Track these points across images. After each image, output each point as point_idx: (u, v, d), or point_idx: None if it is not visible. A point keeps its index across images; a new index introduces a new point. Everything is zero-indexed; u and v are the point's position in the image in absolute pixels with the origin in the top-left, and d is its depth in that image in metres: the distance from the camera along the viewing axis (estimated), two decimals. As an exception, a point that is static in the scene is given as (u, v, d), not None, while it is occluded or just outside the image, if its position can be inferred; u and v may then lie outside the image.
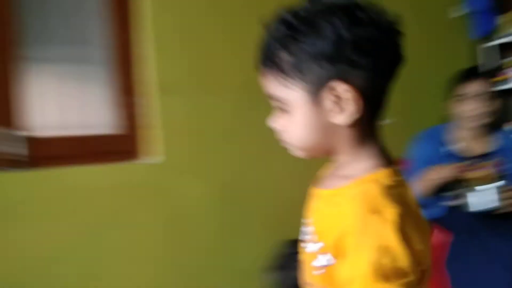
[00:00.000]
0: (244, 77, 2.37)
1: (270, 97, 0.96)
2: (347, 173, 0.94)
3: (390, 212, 0.84)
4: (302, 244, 1.01)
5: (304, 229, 1.01)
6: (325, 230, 0.92)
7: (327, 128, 0.93)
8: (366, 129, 0.94)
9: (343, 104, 0.90)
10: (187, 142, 2.45)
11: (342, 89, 0.89)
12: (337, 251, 0.88)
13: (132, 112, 2.38)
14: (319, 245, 0.92)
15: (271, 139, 1.17)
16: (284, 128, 0.96)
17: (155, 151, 2.39)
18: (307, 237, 0.98)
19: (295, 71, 0.91)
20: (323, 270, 0.91)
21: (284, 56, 0.91)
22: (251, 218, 2.59)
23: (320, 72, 0.89)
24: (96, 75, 2.38)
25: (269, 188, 2.64)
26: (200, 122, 2.49)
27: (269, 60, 0.93)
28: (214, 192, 2.50)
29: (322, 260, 0.91)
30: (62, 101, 2.30)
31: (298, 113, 0.93)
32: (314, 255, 0.94)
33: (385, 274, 0.81)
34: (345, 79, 0.88)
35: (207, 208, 2.49)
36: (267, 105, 1.00)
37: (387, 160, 0.94)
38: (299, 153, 0.98)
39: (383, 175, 0.90)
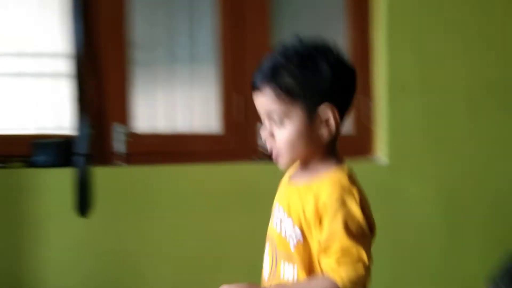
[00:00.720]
0: (477, 75, 2.36)
1: (267, 111, 1.21)
2: (319, 170, 1.24)
3: (356, 192, 1.21)
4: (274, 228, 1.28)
5: (277, 214, 1.28)
6: (298, 210, 1.22)
7: (313, 140, 1.21)
8: (334, 140, 1.25)
9: (329, 122, 1.20)
10: (414, 143, 2.43)
11: (330, 111, 1.19)
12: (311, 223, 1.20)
13: (361, 114, 2.44)
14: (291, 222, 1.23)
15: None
16: (277, 139, 1.21)
17: (379, 151, 2.43)
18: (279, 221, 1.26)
19: (298, 93, 1.19)
20: (295, 242, 1.22)
21: (290, 80, 1.19)
22: (477, 228, 2.52)
23: (317, 97, 1.19)
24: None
25: (498, 197, 2.55)
26: (429, 123, 2.46)
27: (275, 80, 1.19)
28: (439, 199, 2.47)
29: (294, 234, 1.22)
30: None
31: (294, 126, 1.20)
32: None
33: (352, 233, 1.17)
34: (332, 104, 1.19)
35: (429, 215, 2.45)
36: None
37: (342, 159, 1.28)
38: (283, 161, 1.23)
39: (345, 169, 1.25)
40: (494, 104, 2.51)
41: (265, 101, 1.20)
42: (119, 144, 2.21)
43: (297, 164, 1.28)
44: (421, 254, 2.46)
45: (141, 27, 2.29)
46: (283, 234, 1.24)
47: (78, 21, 2.11)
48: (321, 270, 1.20)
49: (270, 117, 1.20)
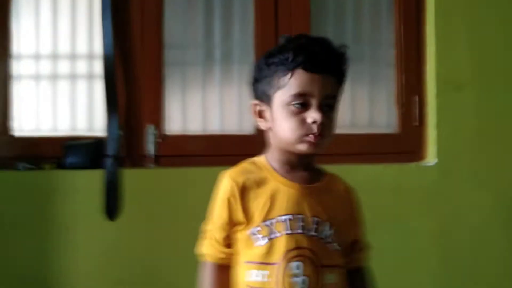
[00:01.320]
0: None
1: (328, 95, 1.21)
2: (316, 165, 1.30)
3: None
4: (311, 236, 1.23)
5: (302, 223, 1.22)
6: (334, 211, 1.26)
7: None
8: None
9: None
10: (469, 143, 2.25)
11: None
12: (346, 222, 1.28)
13: (409, 112, 2.30)
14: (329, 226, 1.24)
15: None
16: (327, 125, 1.20)
17: (431, 152, 2.26)
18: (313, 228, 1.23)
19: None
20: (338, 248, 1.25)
21: (346, 70, 1.26)
22: None
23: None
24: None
25: None
26: (487, 122, 2.27)
27: (342, 67, 1.24)
28: (500, 204, 2.26)
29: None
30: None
31: (336, 114, 1.25)
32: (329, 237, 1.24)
33: None
34: None
35: (490, 222, 2.25)
36: None
37: None
38: (321, 148, 1.22)
39: None
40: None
41: (330, 85, 1.22)
42: (150, 146, 2.16)
43: (263, 166, 1.27)
44: (475, 266, 2.24)
45: (175, 27, 2.25)
46: (329, 243, 1.24)
47: (108, 22, 2.09)
48: (357, 267, 1.32)
49: (327, 102, 1.21)
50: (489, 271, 2.25)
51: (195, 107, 2.26)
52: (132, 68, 2.17)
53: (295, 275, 1.18)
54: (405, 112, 2.29)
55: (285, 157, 1.25)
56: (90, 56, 2.21)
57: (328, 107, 1.21)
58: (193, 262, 2.10)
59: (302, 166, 1.27)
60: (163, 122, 2.19)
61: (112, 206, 2.06)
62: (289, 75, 1.20)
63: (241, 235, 1.23)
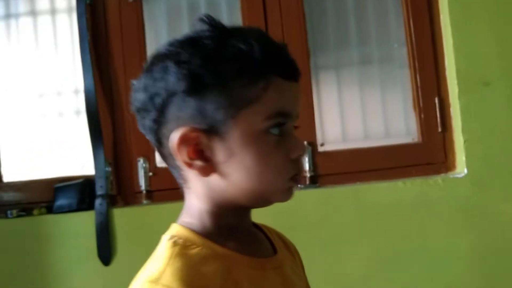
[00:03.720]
0: None
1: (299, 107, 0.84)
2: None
3: None
4: None
5: None
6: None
7: None
8: None
9: None
10: (503, 148, 1.91)
11: None
12: None
13: (430, 117, 2.00)
14: None
15: None
16: None
17: (459, 161, 1.96)
18: None
19: None
20: None
21: None
22: None
23: None
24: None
25: None
26: None
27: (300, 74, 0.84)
28: None
29: None
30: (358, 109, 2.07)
31: None
32: None
33: None
34: None
35: None
36: None
37: None
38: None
39: None
40: None
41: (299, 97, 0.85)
42: (142, 181, 2.00)
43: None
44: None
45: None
46: None
47: (86, 54, 1.97)
48: None
49: (297, 116, 0.83)
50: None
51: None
52: (117, 99, 2.02)
53: None
54: (425, 117, 1.98)
55: (230, 220, 0.83)
56: (75, 92, 2.10)
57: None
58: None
59: (247, 227, 0.88)
60: (154, 154, 2.03)
61: (105, 249, 1.93)
62: (263, 84, 0.78)
63: None
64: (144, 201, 2.00)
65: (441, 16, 1.97)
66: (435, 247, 1.89)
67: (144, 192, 2.00)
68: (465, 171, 1.90)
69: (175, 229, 0.83)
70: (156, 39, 2.09)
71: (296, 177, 0.81)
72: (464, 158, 1.91)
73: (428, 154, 1.99)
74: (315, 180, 1.96)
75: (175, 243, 0.80)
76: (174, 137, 0.79)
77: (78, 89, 2.09)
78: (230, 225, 0.82)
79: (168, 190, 2.00)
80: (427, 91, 1.98)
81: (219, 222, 0.82)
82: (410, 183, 1.91)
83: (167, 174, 1.96)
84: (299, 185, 0.81)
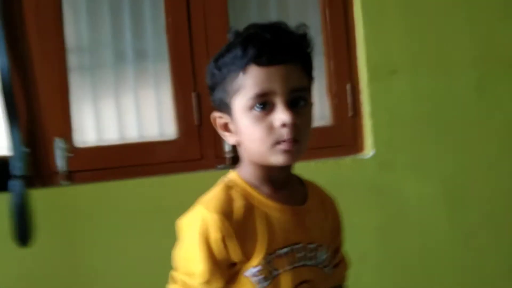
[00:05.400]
0: (487, 51, 2.05)
1: (296, 88, 1.02)
2: (295, 177, 1.12)
3: None
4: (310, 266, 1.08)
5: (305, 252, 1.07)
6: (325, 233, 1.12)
7: None
8: None
9: None
10: (407, 132, 2.10)
11: None
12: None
13: (342, 101, 2.12)
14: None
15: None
16: (301, 125, 1.01)
17: (368, 143, 2.10)
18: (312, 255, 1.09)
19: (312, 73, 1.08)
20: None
21: (311, 57, 1.07)
22: (483, 224, 2.17)
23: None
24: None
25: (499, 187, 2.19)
26: (424, 107, 2.12)
27: (305, 53, 1.05)
28: (444, 194, 2.13)
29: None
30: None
31: (311, 110, 1.05)
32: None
33: None
34: None
35: (435, 213, 2.12)
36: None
37: None
38: (300, 154, 1.03)
39: None
40: (509, 85, 2.13)
41: (295, 75, 1.02)
42: (60, 161, 1.97)
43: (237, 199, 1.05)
44: (422, 260, 2.12)
45: (78, 28, 2.04)
46: (324, 268, 1.11)
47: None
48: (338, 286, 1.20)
49: (295, 97, 1.01)
50: (437, 264, 2.13)
51: (109, 114, 2.06)
52: (32, 77, 1.95)
53: None
54: (338, 102, 2.13)
55: (265, 173, 1.06)
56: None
57: (299, 102, 1.02)
58: (114, 284, 1.98)
59: (284, 180, 1.08)
60: (73, 134, 1.99)
61: (23, 230, 1.87)
62: (242, 75, 1.01)
63: (234, 281, 1.04)
64: (63, 182, 1.96)
65: (354, 8, 2.11)
66: (346, 222, 2.04)
67: (63, 173, 1.96)
68: (372, 153, 2.08)
69: (231, 174, 1.10)
70: (75, 12, 2.04)
71: (281, 143, 1.01)
72: (371, 141, 2.08)
73: (339, 136, 2.14)
74: (236, 161, 2.03)
75: (225, 183, 1.08)
76: (212, 118, 1.11)
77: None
78: (262, 176, 1.07)
79: (88, 171, 1.98)
80: (340, 78, 2.12)
81: (256, 173, 1.07)
82: (322, 164, 2.05)
83: (87, 154, 1.99)
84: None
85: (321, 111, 2.16)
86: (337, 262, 1.19)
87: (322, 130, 2.13)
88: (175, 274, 1.07)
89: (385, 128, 2.09)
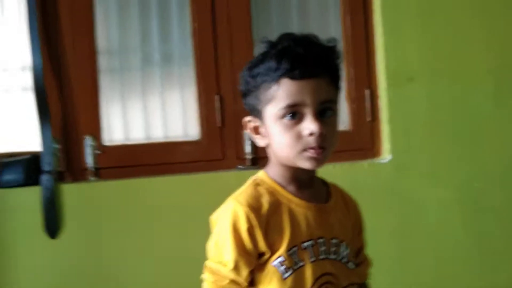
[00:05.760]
0: (492, 63, 2.11)
1: (325, 100, 1.11)
2: (318, 178, 1.22)
3: None
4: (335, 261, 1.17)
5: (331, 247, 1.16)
6: (345, 228, 1.21)
7: None
8: None
9: None
10: (424, 137, 2.16)
11: None
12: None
13: (360, 107, 2.20)
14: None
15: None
16: (328, 134, 1.10)
17: (385, 148, 2.17)
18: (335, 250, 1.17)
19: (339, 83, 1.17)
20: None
21: (338, 68, 1.16)
22: (498, 229, 2.22)
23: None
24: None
25: None
26: (441, 113, 2.17)
27: (332, 66, 1.14)
28: (458, 199, 2.18)
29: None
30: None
31: (337, 120, 1.15)
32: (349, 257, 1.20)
33: None
34: None
35: (449, 218, 2.18)
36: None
37: None
38: (321, 163, 1.12)
39: None
40: (502, 95, 2.17)
41: (323, 88, 1.11)
42: (89, 158, 2.07)
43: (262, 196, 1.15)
44: (435, 264, 2.16)
45: (109, 31, 2.15)
46: (347, 263, 1.20)
47: (34, 31, 1.98)
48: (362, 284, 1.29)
49: (324, 108, 1.11)
50: (451, 269, 2.17)
51: (136, 114, 2.17)
52: (65, 77, 2.06)
53: None
54: (357, 107, 2.19)
55: (291, 173, 1.16)
56: (22, 68, 2.11)
57: (326, 113, 1.11)
58: (138, 278, 2.07)
59: (308, 180, 1.18)
60: (102, 132, 2.09)
61: (52, 223, 1.97)
62: (276, 86, 1.10)
63: (262, 269, 1.13)
64: (91, 178, 2.06)
65: (374, 17, 2.17)
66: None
67: (91, 169, 2.06)
68: (389, 157, 2.13)
69: (260, 173, 1.21)
70: (106, 17, 2.14)
71: (308, 150, 1.10)
72: (389, 146, 2.13)
73: (357, 141, 2.20)
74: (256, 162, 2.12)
75: (254, 180, 1.19)
76: (244, 122, 1.21)
77: (25, 66, 2.10)
78: (289, 176, 1.16)
79: (115, 168, 2.08)
80: (359, 84, 2.19)
81: (283, 173, 1.17)
82: (340, 167, 2.11)
83: (114, 152, 2.09)
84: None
85: (340, 116, 2.21)
86: (360, 262, 1.27)
87: (340, 134, 2.14)
88: (208, 263, 1.15)
89: (402, 134, 2.14)
